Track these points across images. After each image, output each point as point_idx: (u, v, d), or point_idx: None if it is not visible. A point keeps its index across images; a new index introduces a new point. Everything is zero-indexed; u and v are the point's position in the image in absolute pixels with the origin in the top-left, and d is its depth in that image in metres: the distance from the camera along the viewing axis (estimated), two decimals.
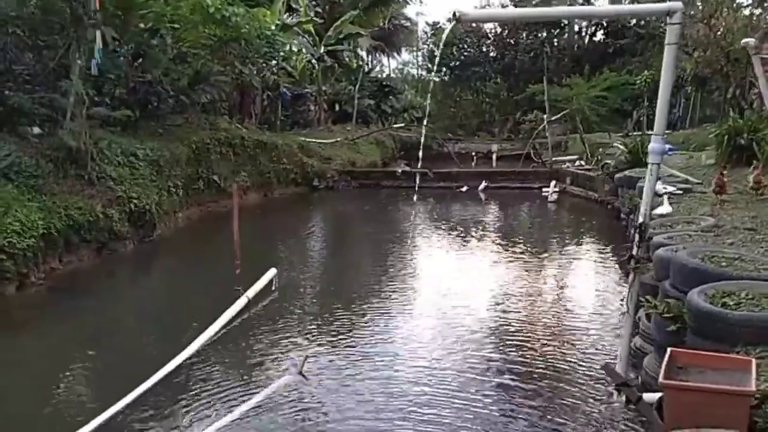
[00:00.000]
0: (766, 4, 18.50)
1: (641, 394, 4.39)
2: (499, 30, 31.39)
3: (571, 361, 6.25)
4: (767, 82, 3.44)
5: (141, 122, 13.29)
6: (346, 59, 26.87)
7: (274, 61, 18.06)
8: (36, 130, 10.88)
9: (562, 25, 31.22)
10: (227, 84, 15.97)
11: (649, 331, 5.97)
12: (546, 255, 11.07)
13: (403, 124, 26.50)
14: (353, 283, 9.67)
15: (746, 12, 18.36)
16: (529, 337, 7.01)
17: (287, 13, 23.87)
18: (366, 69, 28.96)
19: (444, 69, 34.17)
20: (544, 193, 16.17)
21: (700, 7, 18.55)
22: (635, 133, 19.55)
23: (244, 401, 5.48)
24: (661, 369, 3.31)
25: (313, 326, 7.38)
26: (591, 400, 5.35)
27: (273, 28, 17.16)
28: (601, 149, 17.90)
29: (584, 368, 6.06)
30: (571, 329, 7.28)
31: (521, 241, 12.12)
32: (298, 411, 5.34)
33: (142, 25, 13.62)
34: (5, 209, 8.48)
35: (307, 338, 7.01)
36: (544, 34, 31.09)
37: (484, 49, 32.50)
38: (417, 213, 15.91)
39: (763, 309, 4.44)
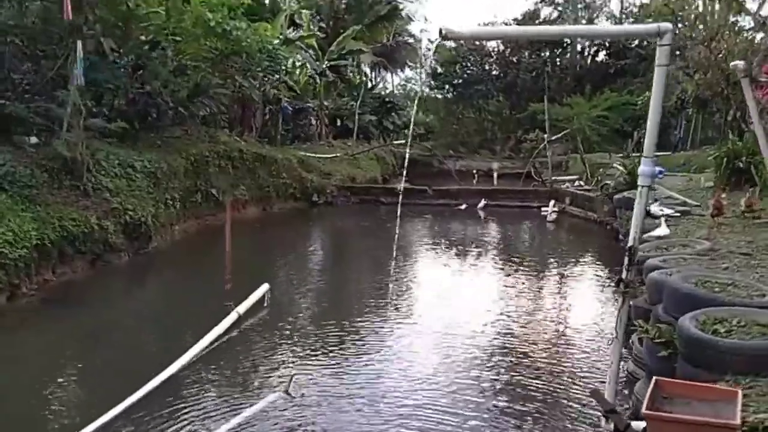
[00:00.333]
0: (767, 28, 18.54)
1: (629, 422, 4.30)
2: (501, 48, 31.53)
3: (563, 384, 6.16)
4: (756, 105, 3.42)
5: (140, 134, 13.30)
6: (349, 74, 26.98)
7: (275, 76, 18.11)
8: (33, 139, 10.90)
9: (565, 44, 31.36)
10: (227, 97, 16.01)
11: (641, 356, 5.90)
12: (542, 276, 11.00)
13: (403, 141, 26.50)
14: (347, 299, 9.60)
15: (747, 35, 18.39)
16: (523, 358, 6.93)
17: (290, 28, 24.03)
18: (369, 85, 29.07)
19: (446, 86, 34.34)
20: (543, 213, 16.12)
21: (702, 30, 18.60)
22: (636, 154, 19.51)
23: (227, 420, 5.40)
24: (644, 398, 3.23)
25: (302, 343, 7.29)
26: (582, 425, 5.28)
27: (275, 42, 17.25)
28: (601, 169, 17.87)
29: (577, 390, 5.98)
30: (565, 351, 7.20)
31: (518, 261, 12.03)
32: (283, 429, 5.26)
33: (143, 37, 13.68)
34: None
35: (297, 355, 6.92)
36: (547, 54, 31.22)
37: (487, 67, 32.63)
38: (415, 230, 15.88)
39: (754, 337, 4.36)
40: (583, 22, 30.61)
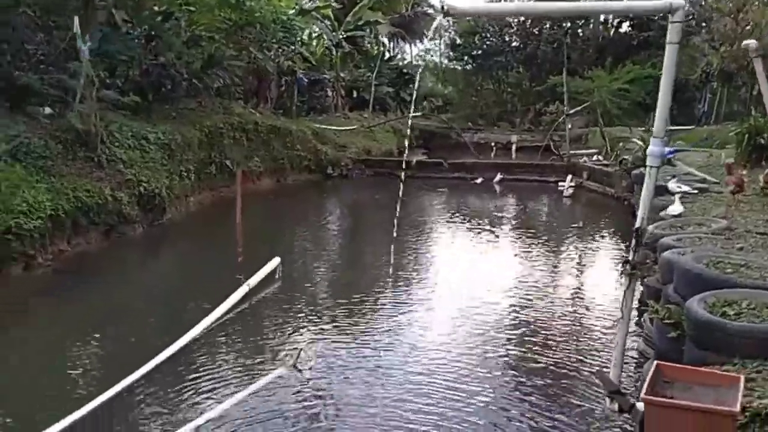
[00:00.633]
0: None
1: (634, 402, 4.26)
2: (522, 19, 30.83)
3: (576, 360, 6.16)
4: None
5: (154, 105, 13.30)
6: (366, 45, 26.65)
7: (290, 47, 17.94)
8: (47, 110, 10.93)
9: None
10: (241, 69, 15.90)
11: (651, 336, 5.84)
12: (556, 251, 10.89)
13: (420, 113, 26.23)
14: (359, 273, 9.61)
15: None
16: (536, 334, 6.91)
17: None
18: (386, 56, 28.68)
19: (466, 57, 33.80)
20: (560, 188, 15.91)
21: (728, 1, 18.02)
22: None
23: (236, 392, 5.47)
24: (645, 383, 3.18)
25: (313, 317, 7.31)
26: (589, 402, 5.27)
27: (290, 12, 17.05)
28: (621, 143, 17.54)
29: (590, 367, 5.98)
30: (580, 327, 7.15)
31: (532, 236, 11.94)
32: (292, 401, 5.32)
33: (156, 8, 13.59)
34: (13, 190, 8.53)
35: (307, 329, 6.96)
36: (568, 25, 30.50)
37: (507, 39, 32.02)
38: (430, 204, 15.79)
39: (763, 320, 4.27)
40: None
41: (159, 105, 13.44)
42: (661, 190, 9.87)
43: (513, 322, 7.29)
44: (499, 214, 14.13)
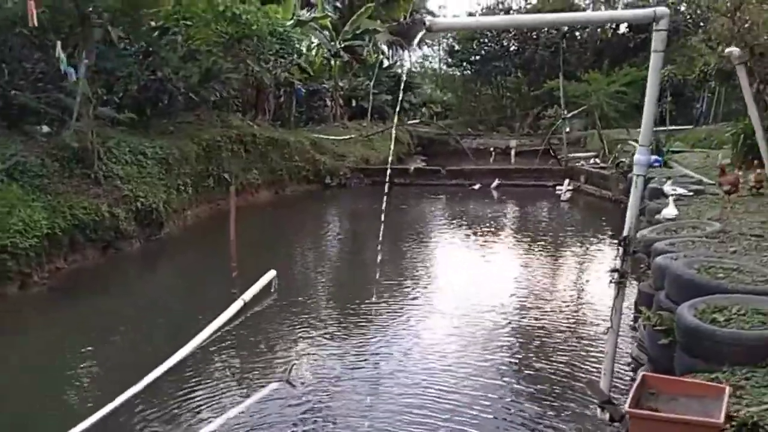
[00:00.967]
0: None
1: (625, 412, 4.24)
2: None
3: (574, 365, 6.17)
4: (752, 94, 3.25)
5: (152, 120, 13.36)
6: (364, 54, 26.72)
7: (287, 58, 18.00)
8: (44, 128, 10.99)
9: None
10: (239, 81, 15.96)
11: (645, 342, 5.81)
12: (553, 256, 10.88)
13: (417, 120, 26.27)
14: (357, 283, 9.61)
15: None
16: (535, 338, 6.95)
17: (304, 9, 23.84)
18: (385, 64, 28.73)
19: (464, 63, 33.86)
20: (557, 192, 15.89)
21: (725, 1, 17.98)
22: (657, 129, 19.06)
23: (229, 408, 5.47)
24: (629, 395, 3.16)
25: (309, 329, 7.30)
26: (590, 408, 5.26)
27: (287, 24, 17.11)
28: (619, 146, 17.52)
29: (588, 371, 5.99)
30: (577, 331, 7.15)
31: (529, 241, 11.94)
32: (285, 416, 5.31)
33: (152, 23, 13.66)
34: (9, 209, 8.56)
35: (302, 342, 6.96)
36: (566, 28, 30.52)
37: (505, 43, 32.09)
38: (428, 211, 15.80)
39: (753, 327, 4.25)
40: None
41: (157, 120, 13.50)
42: (657, 193, 9.88)
43: (510, 327, 7.30)
44: (497, 220, 14.11)
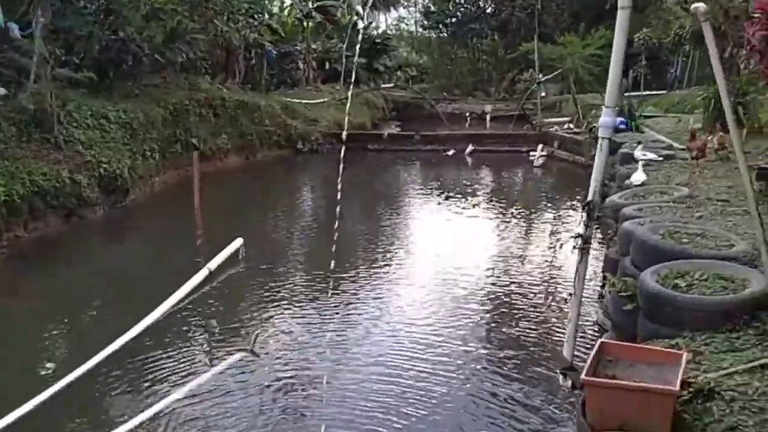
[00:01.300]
0: None
1: None
2: None
3: (544, 331, 6.20)
4: (725, 58, 3.17)
5: (115, 83, 12.90)
6: (338, 15, 26.10)
7: (258, 18, 17.47)
8: (2, 90, 10.53)
9: None
10: (207, 42, 15.48)
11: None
12: (524, 223, 10.88)
13: (392, 84, 25.93)
14: (328, 252, 9.46)
15: None
16: (507, 305, 6.96)
17: None
18: (359, 25, 28.15)
19: (440, 25, 33.41)
20: (531, 157, 15.84)
21: None
22: (628, 94, 19.06)
23: (191, 378, 5.37)
24: (587, 363, 3.12)
25: (275, 298, 7.20)
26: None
27: None
28: (593, 111, 17.45)
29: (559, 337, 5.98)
30: (548, 297, 7.17)
31: (501, 208, 11.93)
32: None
33: None
34: None
35: (268, 311, 6.86)
36: None
37: (481, 5, 31.65)
38: (401, 178, 15.70)
39: (714, 292, 4.24)
40: None
41: (120, 82, 13.03)
42: (628, 158, 9.86)
43: (481, 293, 7.29)
44: (469, 186, 14.03)
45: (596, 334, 5.96)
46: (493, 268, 8.17)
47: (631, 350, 3.33)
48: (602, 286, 6.94)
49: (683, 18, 20.39)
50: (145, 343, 5.94)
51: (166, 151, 13.14)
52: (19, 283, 7.82)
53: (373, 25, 32.43)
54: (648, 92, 21.28)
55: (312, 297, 7.21)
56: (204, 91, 15.17)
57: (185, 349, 5.98)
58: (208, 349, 6.03)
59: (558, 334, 6.06)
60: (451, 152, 17.06)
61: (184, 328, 6.45)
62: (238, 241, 8.41)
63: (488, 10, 31.56)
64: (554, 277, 7.88)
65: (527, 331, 6.25)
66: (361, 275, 7.99)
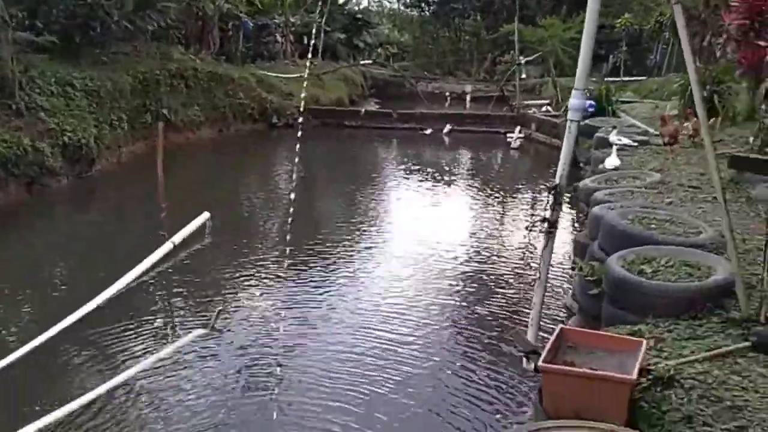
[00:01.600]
0: None
1: None
2: None
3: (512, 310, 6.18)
4: (689, 37, 3.07)
5: (83, 50, 12.45)
6: None
7: None
8: None
9: None
10: (180, 11, 15.02)
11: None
12: (499, 205, 10.83)
13: (371, 61, 25.57)
14: (298, 229, 9.33)
15: None
16: (473, 283, 6.91)
17: None
18: (339, 0, 27.60)
19: (422, 4, 32.99)
20: (509, 139, 15.75)
21: None
22: (609, 79, 19.05)
23: (150, 355, 5.23)
24: (545, 349, 3.03)
25: (242, 276, 7.03)
26: None
27: None
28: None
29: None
30: (515, 278, 7.14)
31: (476, 189, 11.86)
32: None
33: None
34: None
35: (233, 288, 6.70)
36: None
37: None
38: (376, 156, 15.53)
39: (680, 278, 4.19)
40: None
41: (88, 49, 12.57)
42: (604, 143, 9.82)
43: (454, 273, 7.23)
44: (445, 167, 13.91)
45: (565, 317, 5.95)
46: (466, 248, 8.11)
47: (591, 337, 3.26)
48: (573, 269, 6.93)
49: (664, 5, 20.37)
50: (105, 316, 5.77)
51: (135, 121, 12.77)
52: None
53: (354, 0, 31.94)
54: (628, 78, 21.28)
55: (278, 272, 7.07)
56: (175, 61, 14.74)
57: (146, 323, 5.82)
58: (169, 324, 5.87)
59: (528, 314, 6.03)
60: (428, 131, 16.89)
61: (146, 303, 6.28)
62: (205, 215, 8.21)
63: None
64: (528, 259, 7.83)
65: (497, 310, 6.23)
66: (332, 251, 7.87)
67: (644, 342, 3.10)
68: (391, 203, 10.98)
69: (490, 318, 6.07)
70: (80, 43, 12.34)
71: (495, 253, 8.01)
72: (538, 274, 4.22)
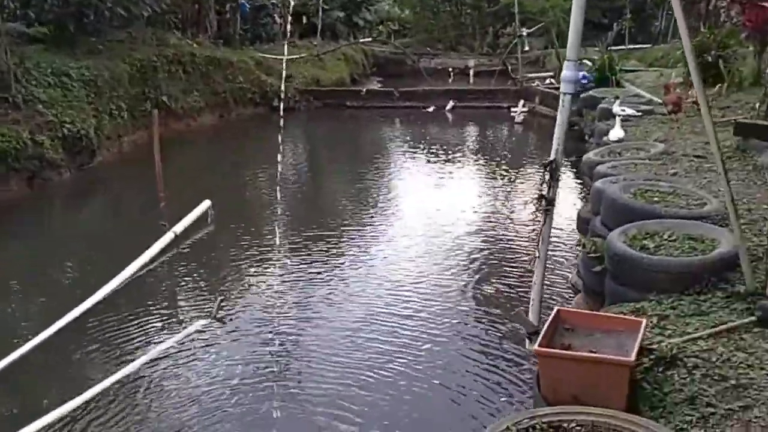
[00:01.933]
0: None
1: None
2: None
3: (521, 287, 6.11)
4: (684, 16, 2.94)
5: (78, 38, 12.33)
6: None
7: None
8: None
9: None
10: None
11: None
12: (503, 181, 10.72)
13: (371, 39, 25.26)
14: (302, 210, 9.31)
15: None
16: (480, 260, 6.89)
17: None
18: None
19: None
20: (512, 113, 15.55)
21: None
22: (613, 48, 18.69)
23: (152, 346, 5.23)
24: (542, 331, 2.97)
25: (245, 264, 6.99)
26: None
27: None
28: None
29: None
30: (522, 255, 7.03)
31: (480, 165, 11.75)
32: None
33: None
34: None
35: (236, 277, 6.67)
36: None
37: None
38: (379, 136, 15.39)
39: (683, 253, 4.10)
40: None
41: (83, 38, 12.44)
42: (607, 114, 9.63)
43: (461, 250, 7.18)
44: (448, 144, 13.75)
45: (572, 295, 5.89)
46: (474, 227, 8.05)
47: (588, 317, 3.19)
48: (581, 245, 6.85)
49: None
50: (108, 308, 5.76)
51: (135, 110, 12.68)
52: None
53: None
54: (633, 46, 20.90)
55: (281, 258, 7.03)
56: (172, 47, 14.57)
57: (149, 314, 5.81)
58: (171, 314, 5.86)
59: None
60: (431, 109, 16.70)
61: (147, 294, 6.26)
62: (206, 203, 8.16)
63: None
64: (535, 236, 7.74)
65: (505, 288, 6.19)
66: (338, 236, 7.82)
67: (644, 322, 3.02)
68: (394, 184, 10.86)
69: (498, 295, 6.03)
70: (74, 31, 12.21)
71: (502, 231, 7.93)
72: (537, 253, 4.13)
